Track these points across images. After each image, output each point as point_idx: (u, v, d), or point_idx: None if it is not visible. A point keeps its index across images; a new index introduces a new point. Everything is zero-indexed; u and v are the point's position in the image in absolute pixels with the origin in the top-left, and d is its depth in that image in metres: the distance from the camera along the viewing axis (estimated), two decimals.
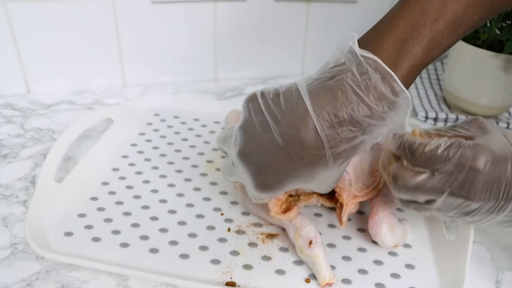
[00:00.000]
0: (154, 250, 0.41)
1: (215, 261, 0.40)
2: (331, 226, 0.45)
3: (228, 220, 0.45)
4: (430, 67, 0.79)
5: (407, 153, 0.35)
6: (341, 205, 0.42)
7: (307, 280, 0.39)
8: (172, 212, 0.46)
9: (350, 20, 0.75)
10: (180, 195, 0.48)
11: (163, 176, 0.51)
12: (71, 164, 0.53)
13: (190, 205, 0.47)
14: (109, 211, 0.45)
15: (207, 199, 0.48)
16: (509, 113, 0.69)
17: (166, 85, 0.74)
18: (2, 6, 0.61)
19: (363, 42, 0.33)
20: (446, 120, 0.66)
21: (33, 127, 0.60)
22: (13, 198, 0.47)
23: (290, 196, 0.43)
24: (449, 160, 0.32)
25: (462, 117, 0.65)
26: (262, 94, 0.34)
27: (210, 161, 0.54)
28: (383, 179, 0.41)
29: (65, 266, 0.39)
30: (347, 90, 0.32)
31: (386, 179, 0.37)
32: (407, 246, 0.43)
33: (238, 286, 0.38)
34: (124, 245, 0.41)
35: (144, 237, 0.42)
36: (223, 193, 0.49)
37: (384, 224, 0.41)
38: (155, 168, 0.52)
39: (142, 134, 0.59)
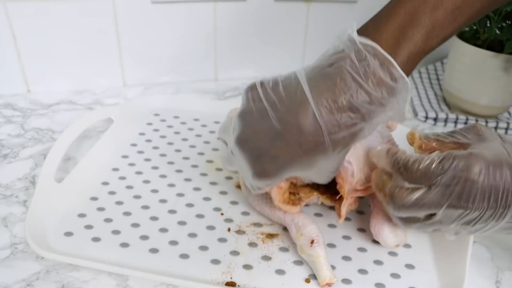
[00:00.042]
0: (154, 250, 0.41)
1: (215, 261, 0.40)
2: (331, 226, 0.45)
3: (228, 220, 0.45)
4: (430, 67, 0.79)
5: (403, 171, 0.34)
6: (341, 199, 0.41)
7: (307, 280, 0.39)
8: (172, 212, 0.46)
9: (350, 20, 0.75)
10: (180, 195, 0.48)
11: (163, 176, 0.51)
12: (71, 164, 0.53)
13: (190, 205, 0.47)
14: (109, 211, 0.45)
15: (207, 199, 0.48)
16: (509, 113, 0.69)
17: (166, 85, 0.74)
18: (2, 6, 0.61)
19: (363, 31, 0.33)
20: (446, 120, 0.66)
21: (33, 127, 0.60)
22: (13, 198, 0.47)
23: (291, 193, 0.42)
24: (444, 173, 0.32)
25: (462, 117, 0.65)
26: (261, 83, 0.34)
27: (210, 161, 0.54)
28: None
29: (65, 266, 0.39)
30: (346, 76, 0.32)
31: (383, 200, 0.37)
32: (407, 246, 0.43)
33: (238, 286, 0.38)
34: (124, 245, 0.41)
35: (144, 237, 0.42)
36: (223, 193, 0.49)
37: (386, 223, 0.41)
38: (155, 168, 0.52)
39: (142, 134, 0.59)
